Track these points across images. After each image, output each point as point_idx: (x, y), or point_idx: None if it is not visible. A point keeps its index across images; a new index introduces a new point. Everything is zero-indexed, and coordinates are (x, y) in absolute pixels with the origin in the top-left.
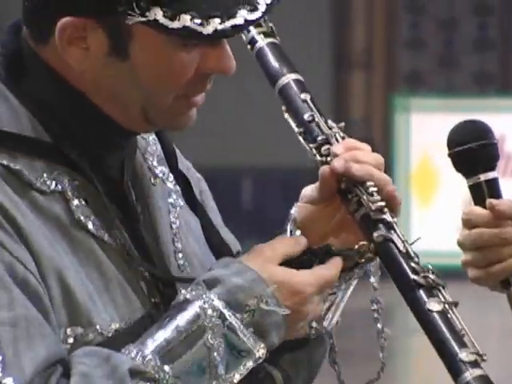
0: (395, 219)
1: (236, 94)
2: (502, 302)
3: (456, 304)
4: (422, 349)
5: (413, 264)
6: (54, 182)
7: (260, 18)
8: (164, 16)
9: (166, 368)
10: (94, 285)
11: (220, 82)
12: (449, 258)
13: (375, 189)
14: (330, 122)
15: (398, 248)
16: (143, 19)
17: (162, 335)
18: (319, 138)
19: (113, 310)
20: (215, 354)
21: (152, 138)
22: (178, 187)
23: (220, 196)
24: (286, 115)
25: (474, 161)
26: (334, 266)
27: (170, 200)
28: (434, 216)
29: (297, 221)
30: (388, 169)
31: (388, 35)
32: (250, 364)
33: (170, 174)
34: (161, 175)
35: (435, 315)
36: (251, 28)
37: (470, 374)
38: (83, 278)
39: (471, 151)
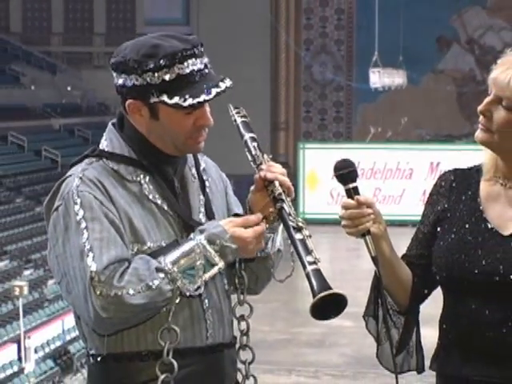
0: (289, 199)
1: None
2: (351, 238)
3: (310, 236)
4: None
5: (291, 217)
6: (135, 177)
7: (221, 91)
8: (167, 98)
9: (175, 268)
10: (151, 223)
11: None
12: (323, 215)
13: (278, 184)
14: (265, 155)
15: (286, 211)
16: (158, 100)
17: (175, 254)
18: (257, 162)
19: (159, 236)
20: (198, 263)
21: (191, 158)
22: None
23: None
24: (246, 152)
25: (345, 178)
26: (260, 226)
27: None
28: (316, 197)
29: (248, 203)
30: (295, 174)
31: (296, 115)
32: (215, 270)
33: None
34: (197, 177)
35: (298, 240)
36: (233, 112)
37: (310, 268)
38: (145, 221)
39: (344, 174)
